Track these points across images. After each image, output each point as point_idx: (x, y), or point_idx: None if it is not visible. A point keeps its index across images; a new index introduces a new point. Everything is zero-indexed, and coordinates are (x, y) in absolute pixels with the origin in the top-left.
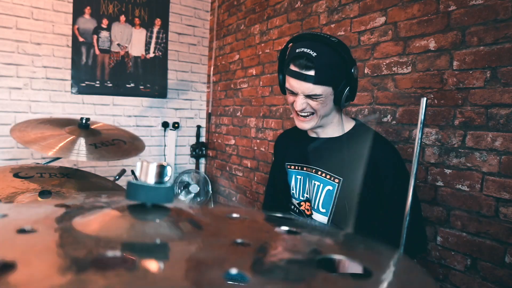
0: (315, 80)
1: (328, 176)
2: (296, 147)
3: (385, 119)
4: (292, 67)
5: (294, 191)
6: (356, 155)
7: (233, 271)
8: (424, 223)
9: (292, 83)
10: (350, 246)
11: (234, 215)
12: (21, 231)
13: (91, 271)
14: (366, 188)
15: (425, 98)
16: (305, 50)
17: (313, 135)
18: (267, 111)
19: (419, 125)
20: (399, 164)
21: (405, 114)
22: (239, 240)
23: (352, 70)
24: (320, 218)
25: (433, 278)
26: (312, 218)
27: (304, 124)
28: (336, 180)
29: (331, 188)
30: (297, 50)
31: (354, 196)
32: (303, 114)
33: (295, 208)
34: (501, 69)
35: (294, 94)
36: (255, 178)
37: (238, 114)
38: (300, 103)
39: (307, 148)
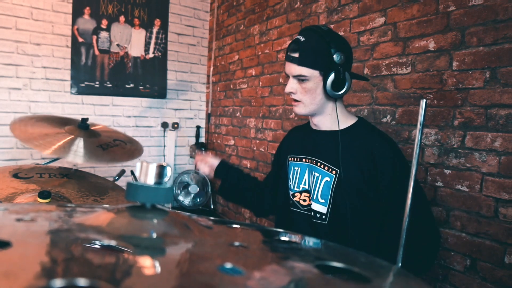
0: (299, 61)
1: (326, 168)
2: (299, 140)
3: (384, 120)
4: (287, 53)
5: (291, 183)
6: (354, 148)
7: (228, 265)
8: (435, 222)
9: (285, 66)
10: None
11: (236, 243)
12: (20, 219)
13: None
14: (364, 181)
15: (424, 100)
16: (298, 36)
17: (315, 128)
18: (266, 111)
19: (418, 126)
20: (399, 160)
21: (405, 115)
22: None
23: (335, 56)
24: (320, 208)
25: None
26: (310, 207)
27: (294, 108)
28: (333, 172)
29: (328, 179)
30: (295, 38)
31: (350, 188)
32: (292, 97)
33: (289, 201)
34: (501, 69)
35: (288, 78)
36: None
37: (238, 114)
38: (289, 85)
39: (307, 140)
